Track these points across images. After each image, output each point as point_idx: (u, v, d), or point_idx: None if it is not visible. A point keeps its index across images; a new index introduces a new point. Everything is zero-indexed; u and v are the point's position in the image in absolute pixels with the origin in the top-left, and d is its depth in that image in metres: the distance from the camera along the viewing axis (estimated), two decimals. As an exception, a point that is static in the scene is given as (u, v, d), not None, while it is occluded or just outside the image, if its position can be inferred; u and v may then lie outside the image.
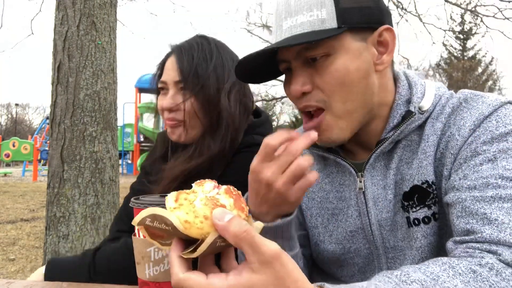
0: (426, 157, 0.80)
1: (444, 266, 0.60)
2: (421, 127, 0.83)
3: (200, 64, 1.14)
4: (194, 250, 0.50)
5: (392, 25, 0.84)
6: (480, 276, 0.58)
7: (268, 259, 0.47)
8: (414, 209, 0.81)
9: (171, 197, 0.53)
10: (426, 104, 0.83)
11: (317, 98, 0.79)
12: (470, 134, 0.76)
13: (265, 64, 0.85)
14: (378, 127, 0.86)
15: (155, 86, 1.23)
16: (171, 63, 1.17)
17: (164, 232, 0.53)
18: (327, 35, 0.74)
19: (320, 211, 0.93)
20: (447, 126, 0.80)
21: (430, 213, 0.80)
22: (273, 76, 0.90)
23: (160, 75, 1.21)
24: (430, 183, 0.80)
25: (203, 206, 0.50)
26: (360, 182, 0.86)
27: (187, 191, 0.54)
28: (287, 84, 0.83)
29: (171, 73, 1.16)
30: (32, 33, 4.95)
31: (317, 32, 0.75)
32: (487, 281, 0.58)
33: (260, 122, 1.24)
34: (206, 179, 0.57)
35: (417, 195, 0.81)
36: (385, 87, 0.85)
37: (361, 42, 0.79)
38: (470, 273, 0.59)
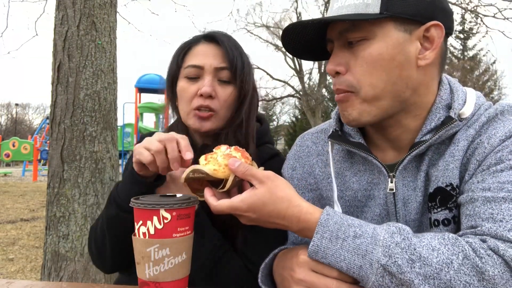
0: (453, 160, 0.81)
1: (436, 234, 0.69)
2: (455, 133, 0.83)
3: (247, 60, 1.15)
4: (224, 187, 0.78)
5: (448, 24, 0.83)
6: (458, 243, 0.66)
7: (262, 179, 0.75)
8: (435, 210, 0.82)
9: (202, 158, 0.81)
10: (466, 112, 0.83)
11: (348, 82, 0.82)
12: (499, 144, 0.76)
13: (314, 42, 0.89)
14: (412, 125, 0.86)
15: (175, 70, 1.15)
16: (210, 50, 1.12)
17: (200, 182, 0.83)
18: (365, 18, 0.77)
19: (349, 209, 0.93)
20: (478, 134, 0.81)
21: (450, 215, 0.81)
22: (323, 57, 0.94)
23: (182, 59, 1.14)
24: (455, 186, 0.80)
25: (222, 159, 0.78)
26: (391, 183, 0.86)
27: (211, 153, 0.82)
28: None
29: (210, 59, 1.10)
30: (37, 34, 4.95)
31: (358, 15, 0.78)
32: (462, 247, 0.65)
33: (265, 131, 1.24)
34: (221, 145, 0.85)
35: (439, 197, 0.82)
36: (427, 86, 0.84)
37: (404, 33, 0.80)
38: (451, 239, 0.67)
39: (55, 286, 0.88)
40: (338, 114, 0.97)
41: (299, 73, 23.75)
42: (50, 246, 2.64)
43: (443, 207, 0.81)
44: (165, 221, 0.72)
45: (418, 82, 0.82)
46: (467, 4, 7.39)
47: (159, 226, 0.72)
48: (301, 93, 23.54)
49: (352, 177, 0.92)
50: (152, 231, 0.72)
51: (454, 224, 0.81)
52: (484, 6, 6.21)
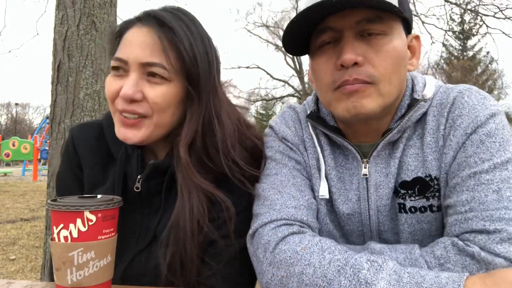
0: (432, 152, 0.83)
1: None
2: (424, 118, 0.85)
3: (201, 46, 0.90)
4: None
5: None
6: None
7: None
8: (412, 198, 0.85)
9: None
10: (428, 93, 0.86)
11: (368, 73, 0.78)
12: (466, 139, 0.78)
13: (301, 33, 0.83)
14: (388, 120, 0.87)
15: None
16: (140, 36, 0.86)
17: None
18: (401, 11, 0.76)
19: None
20: (449, 123, 0.82)
21: (427, 204, 0.84)
22: (302, 51, 0.89)
23: (117, 46, 0.90)
24: (433, 177, 0.82)
25: None
26: (365, 168, 0.87)
27: None
28: (328, 56, 0.81)
29: (136, 51, 0.85)
30: (38, 34, 4.97)
31: (388, 3, 0.74)
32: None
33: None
34: None
35: (418, 186, 0.84)
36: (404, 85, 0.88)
37: (404, 38, 0.83)
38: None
39: (55, 286, 0.88)
40: (316, 96, 0.98)
41: (299, 73, 23.76)
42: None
43: (421, 195, 0.84)
44: (90, 223, 0.69)
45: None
46: (466, 4, 7.39)
47: (83, 229, 0.69)
48: (301, 93, 23.55)
49: (329, 155, 0.92)
50: (75, 235, 0.68)
51: (431, 212, 0.84)
52: (484, 5, 6.21)
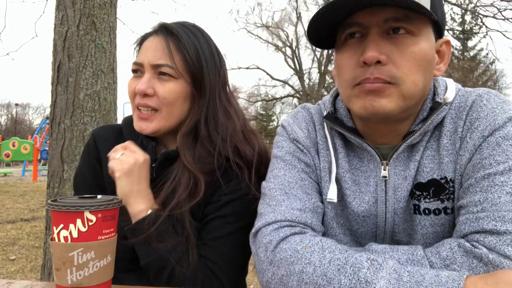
0: (448, 154, 0.82)
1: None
2: (442, 121, 0.85)
3: (206, 51, 1.05)
4: None
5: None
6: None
7: None
8: (427, 200, 0.84)
9: None
10: (449, 96, 0.85)
11: (391, 73, 0.76)
12: (481, 142, 0.77)
13: (327, 27, 0.81)
14: (409, 123, 0.86)
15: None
16: (154, 44, 1.04)
17: None
18: (430, 13, 0.74)
19: (337, 191, 0.91)
20: (466, 125, 0.81)
21: (442, 206, 0.83)
22: (326, 44, 0.87)
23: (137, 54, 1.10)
24: (449, 179, 0.82)
25: None
26: (384, 170, 0.85)
27: None
28: (352, 51, 0.80)
29: (149, 55, 1.02)
30: (36, 35, 4.95)
31: (417, 4, 0.72)
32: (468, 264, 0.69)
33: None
34: None
35: (433, 188, 0.83)
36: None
37: (434, 41, 0.82)
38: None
39: (55, 286, 0.88)
40: (333, 97, 0.97)
41: (299, 73, 23.78)
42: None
43: (435, 198, 0.83)
44: (90, 223, 0.69)
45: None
46: (467, 4, 7.39)
47: (83, 229, 0.69)
48: (301, 93, 23.58)
49: (344, 157, 0.91)
50: (75, 235, 0.69)
51: (445, 214, 0.83)
52: (484, 6, 6.21)
